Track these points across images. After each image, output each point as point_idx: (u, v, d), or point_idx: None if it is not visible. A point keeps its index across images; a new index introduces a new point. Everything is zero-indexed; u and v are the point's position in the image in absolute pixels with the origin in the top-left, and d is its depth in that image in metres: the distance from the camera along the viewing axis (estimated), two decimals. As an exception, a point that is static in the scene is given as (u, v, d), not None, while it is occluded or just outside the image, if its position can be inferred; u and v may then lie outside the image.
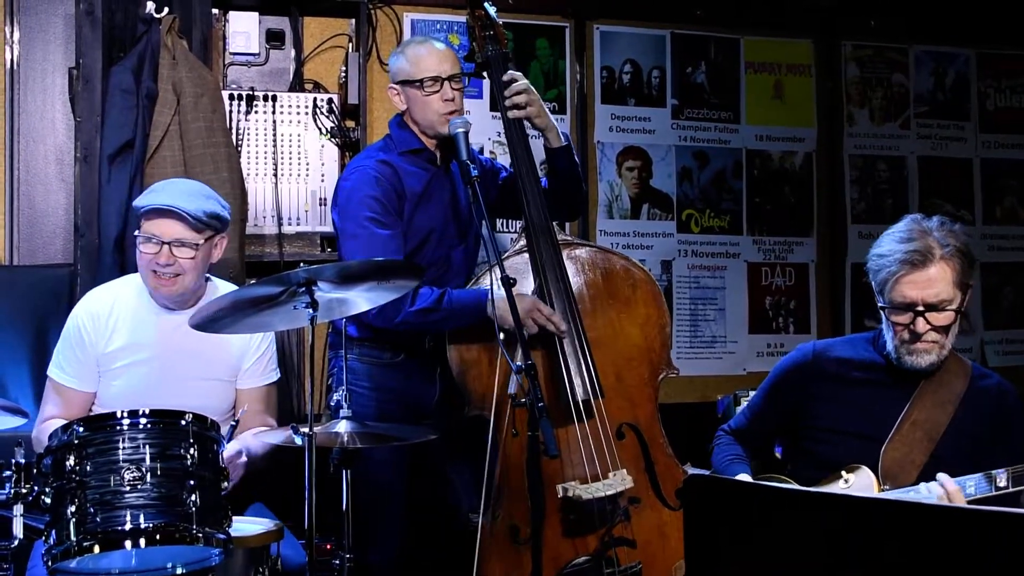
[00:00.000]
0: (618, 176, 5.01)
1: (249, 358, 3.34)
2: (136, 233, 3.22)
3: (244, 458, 3.07)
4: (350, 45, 4.63)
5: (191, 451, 2.49)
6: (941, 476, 2.70)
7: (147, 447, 2.45)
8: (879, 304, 2.88)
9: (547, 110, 3.49)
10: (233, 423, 2.99)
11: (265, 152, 4.40)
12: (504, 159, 3.79)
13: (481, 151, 4.64)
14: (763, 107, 5.21)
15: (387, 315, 3.19)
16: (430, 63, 3.38)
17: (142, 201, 3.22)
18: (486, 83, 4.71)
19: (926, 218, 2.89)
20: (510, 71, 3.45)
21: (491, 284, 3.02)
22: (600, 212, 4.96)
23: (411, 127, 3.46)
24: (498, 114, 3.50)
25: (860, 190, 5.28)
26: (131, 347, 3.24)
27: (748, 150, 5.18)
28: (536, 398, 2.73)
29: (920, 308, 2.79)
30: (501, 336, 2.95)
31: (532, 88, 3.44)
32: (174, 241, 3.16)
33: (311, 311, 2.69)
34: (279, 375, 3.45)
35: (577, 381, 3.19)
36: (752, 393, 3.37)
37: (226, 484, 2.60)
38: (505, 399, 3.04)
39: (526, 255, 3.34)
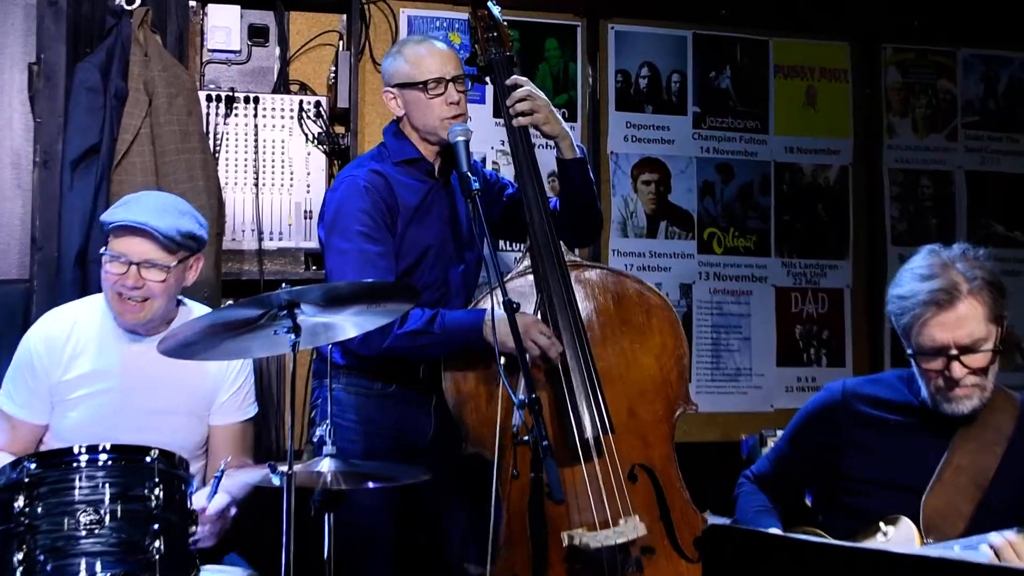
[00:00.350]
0: (633, 190, 5.00)
1: (225, 391, 3.34)
2: (102, 251, 3.21)
3: (235, 510, 3.06)
4: (340, 43, 4.64)
5: (156, 492, 2.47)
6: (992, 536, 2.66)
7: (107, 486, 2.42)
8: (907, 351, 2.85)
9: (559, 116, 3.48)
10: (218, 474, 2.96)
11: (245, 159, 4.40)
12: (509, 171, 3.79)
13: (483, 162, 4.64)
14: (794, 115, 5.21)
15: (373, 342, 3.18)
16: (433, 64, 3.39)
17: (110, 216, 3.21)
18: (489, 88, 4.71)
19: (945, 247, 2.85)
20: (514, 76, 3.44)
21: (491, 307, 3.00)
22: (613, 230, 4.95)
23: (408, 135, 3.46)
24: (502, 121, 3.48)
25: (901, 208, 5.27)
26: (91, 376, 3.22)
27: (777, 163, 5.17)
28: (540, 435, 2.71)
29: (953, 352, 2.75)
30: (502, 362, 2.94)
31: (539, 92, 3.44)
32: (144, 262, 3.15)
33: (293, 336, 2.68)
34: (256, 410, 3.44)
35: (585, 417, 3.17)
36: (780, 433, 3.35)
37: (195, 529, 2.57)
38: (506, 436, 3.02)
39: (531, 277, 3.34)
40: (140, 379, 3.22)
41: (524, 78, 3.45)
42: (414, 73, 3.39)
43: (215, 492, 2.91)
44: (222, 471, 2.98)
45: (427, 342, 3.21)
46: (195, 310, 3.36)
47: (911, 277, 2.82)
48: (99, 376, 3.22)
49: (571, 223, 3.54)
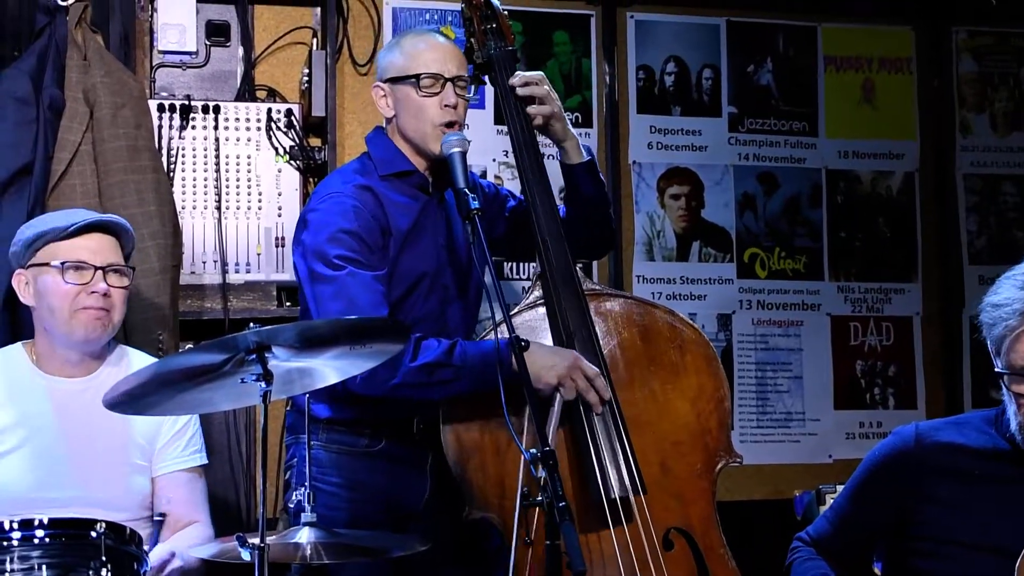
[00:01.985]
0: (660, 206, 5.00)
1: (163, 435, 3.37)
2: (51, 263, 3.24)
3: (179, 562, 3.05)
4: (314, 41, 4.66)
5: (103, 573, 2.45)
6: None
7: (44, 568, 2.41)
8: (996, 369, 2.84)
9: (565, 116, 3.52)
10: (160, 515, 2.97)
11: (205, 179, 4.41)
12: (512, 185, 3.79)
13: (483, 175, 4.64)
14: (849, 115, 5.21)
15: (379, 378, 3.15)
16: (432, 57, 3.41)
17: (48, 224, 3.28)
18: (489, 90, 4.71)
19: None
20: (519, 73, 3.46)
21: (496, 343, 3.01)
22: (637, 253, 4.95)
23: (397, 143, 3.46)
24: (504, 128, 3.50)
25: (980, 220, 5.26)
26: (10, 429, 3.24)
27: (829, 170, 5.17)
28: (556, 496, 2.69)
29: (1052, 374, 2.76)
30: (527, 414, 2.93)
31: (549, 83, 3.47)
32: (108, 266, 3.26)
33: (264, 385, 2.67)
34: (205, 460, 3.47)
35: (611, 473, 3.16)
36: (840, 488, 3.32)
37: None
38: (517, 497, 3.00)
39: (542, 309, 3.33)
40: (70, 428, 3.25)
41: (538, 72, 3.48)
42: (408, 65, 3.41)
43: (154, 543, 2.91)
44: (163, 514, 2.98)
45: (447, 377, 3.18)
46: (135, 360, 3.39)
47: (1010, 284, 2.83)
48: (20, 427, 3.25)
49: (582, 235, 3.54)
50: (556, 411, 3.08)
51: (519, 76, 3.46)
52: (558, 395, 3.11)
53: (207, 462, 3.48)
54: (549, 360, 3.10)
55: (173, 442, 3.37)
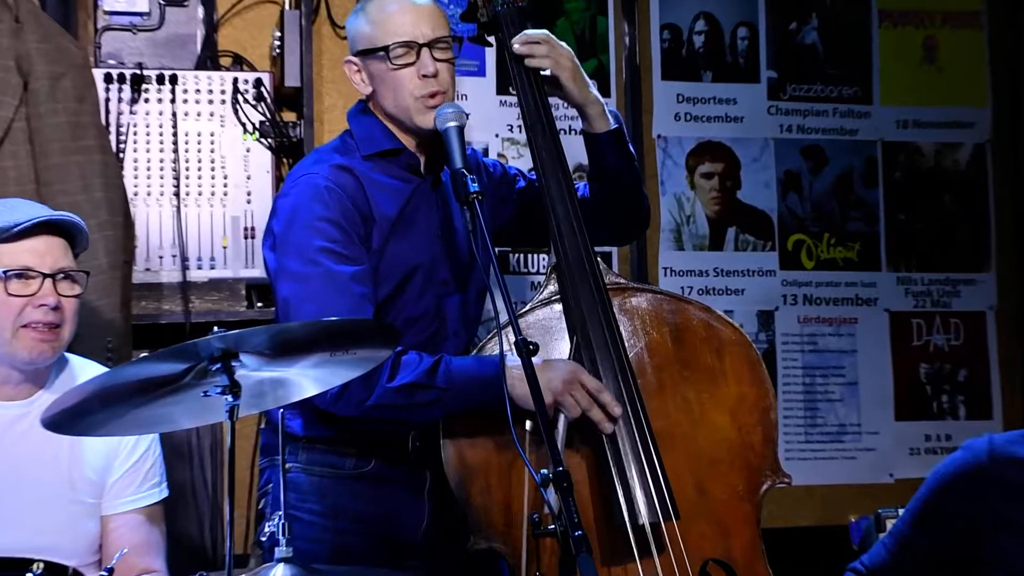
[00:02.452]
0: (689, 187, 5.01)
1: (116, 468, 3.35)
2: None
3: None
4: (286, 1, 4.65)
5: (42, 620, 2.45)
6: None
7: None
8: None
9: (587, 78, 3.50)
10: (105, 571, 2.96)
11: (161, 160, 4.42)
12: (518, 166, 3.79)
13: (485, 154, 4.64)
14: (908, 78, 5.23)
15: (353, 397, 3.17)
16: (401, 23, 3.40)
17: None
18: (491, 54, 4.71)
19: None
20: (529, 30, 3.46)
21: (500, 350, 2.99)
22: (664, 241, 4.95)
23: (381, 118, 3.46)
24: (508, 99, 3.49)
25: (1062, 198, 5.27)
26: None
27: (886, 143, 5.18)
28: (571, 523, 2.68)
29: None
30: (528, 427, 2.92)
31: (558, 41, 3.46)
32: (59, 272, 3.23)
33: (230, 398, 2.66)
34: (166, 492, 3.45)
35: (639, 496, 3.15)
36: (902, 511, 3.35)
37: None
38: (528, 524, 3.00)
39: (558, 306, 3.33)
40: (7, 459, 3.22)
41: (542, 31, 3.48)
42: (375, 35, 3.41)
43: None
44: (110, 569, 2.96)
45: (427, 399, 3.19)
46: (81, 370, 3.37)
47: None
48: None
49: (611, 215, 3.56)
50: (561, 434, 3.08)
51: (522, 36, 3.45)
52: (561, 416, 3.10)
53: (168, 494, 3.45)
54: (542, 376, 3.03)
55: (129, 476, 3.35)
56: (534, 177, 3.50)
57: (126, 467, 3.34)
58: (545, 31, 3.48)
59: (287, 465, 3.13)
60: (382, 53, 3.38)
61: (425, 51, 3.37)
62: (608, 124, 3.52)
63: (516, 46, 3.44)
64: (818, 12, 5.15)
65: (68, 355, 3.41)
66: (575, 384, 3.13)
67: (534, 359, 2.90)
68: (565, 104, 3.54)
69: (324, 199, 3.30)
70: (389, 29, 3.39)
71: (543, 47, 3.44)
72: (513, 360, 2.97)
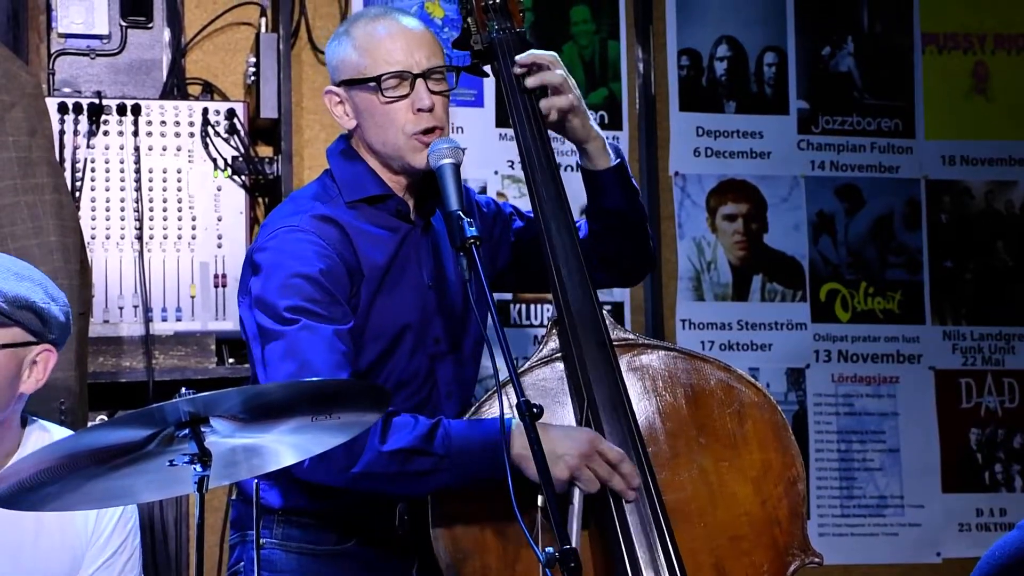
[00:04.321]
0: (711, 230, 5.02)
1: (92, 557, 3.33)
2: None
3: None
4: (263, 21, 4.68)
5: None
6: None
7: None
8: None
9: (587, 109, 3.52)
10: None
11: (122, 200, 4.43)
12: (522, 204, 3.80)
13: (484, 192, 4.66)
14: (955, 108, 5.25)
15: (336, 464, 3.13)
16: (392, 50, 3.40)
17: None
18: (489, 84, 4.74)
19: None
20: (529, 52, 3.48)
21: (501, 413, 2.99)
22: (682, 290, 4.97)
23: (365, 157, 3.47)
24: (508, 131, 3.51)
25: None
26: None
27: (930, 181, 5.20)
28: (580, 608, 2.71)
29: None
30: (540, 503, 2.93)
31: (563, 66, 3.47)
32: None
33: (199, 468, 2.67)
34: (142, 584, 3.45)
35: (649, 577, 3.18)
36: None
37: None
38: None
39: (559, 365, 3.34)
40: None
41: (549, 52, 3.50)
42: (364, 64, 3.40)
43: None
44: None
45: (424, 467, 3.15)
46: (55, 434, 3.36)
47: None
48: None
49: (613, 257, 3.57)
50: (576, 509, 3.09)
51: (527, 55, 3.46)
52: (576, 490, 3.10)
53: None
54: (558, 447, 3.07)
55: (105, 567, 3.32)
56: (531, 215, 3.51)
57: (101, 560, 3.32)
58: (552, 53, 3.48)
59: (261, 541, 3.14)
60: (373, 84, 3.37)
61: (420, 82, 3.37)
62: (609, 160, 3.53)
63: (519, 67, 3.44)
64: (854, 36, 5.18)
65: (45, 422, 3.39)
66: (593, 456, 3.12)
67: (541, 424, 2.92)
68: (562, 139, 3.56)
69: (305, 255, 3.29)
70: (379, 57, 3.38)
71: (555, 72, 3.43)
72: (517, 428, 2.99)
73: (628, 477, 3.15)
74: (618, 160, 3.55)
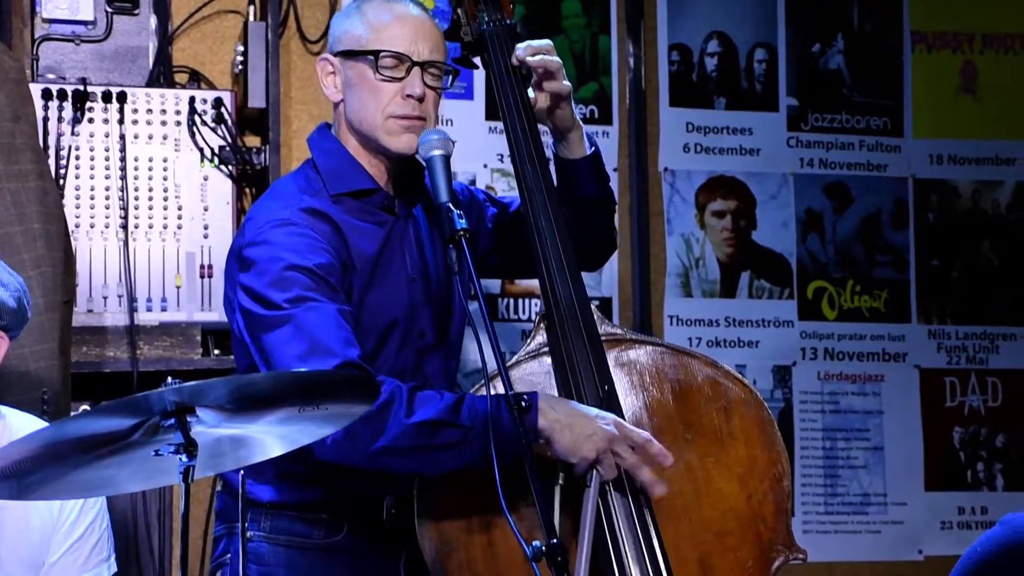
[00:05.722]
0: (699, 226, 5.02)
1: (59, 542, 3.33)
2: None
3: None
4: (251, 9, 4.67)
5: None
6: None
7: None
8: None
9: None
10: None
11: (107, 188, 4.41)
12: (511, 197, 3.80)
13: (472, 184, 4.66)
14: (943, 108, 5.25)
15: (359, 439, 3.10)
16: (399, 33, 3.41)
17: None
18: (479, 78, 4.73)
19: None
20: (527, 43, 3.49)
21: (488, 408, 3.00)
22: (670, 287, 4.97)
23: (347, 142, 3.46)
24: (497, 124, 3.51)
25: (1115, 244, 5.30)
26: None
27: (918, 180, 5.21)
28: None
29: None
30: (561, 482, 2.93)
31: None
32: None
33: (185, 458, 2.66)
34: (114, 569, 3.43)
35: (634, 572, 3.16)
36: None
37: None
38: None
39: (547, 359, 3.35)
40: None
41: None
42: (367, 38, 3.41)
43: None
44: None
45: (451, 439, 3.12)
46: (18, 426, 3.35)
47: None
48: None
49: (581, 242, 3.52)
50: (592, 496, 3.08)
51: (526, 46, 3.47)
52: (594, 473, 3.10)
53: (116, 570, 3.44)
54: (587, 426, 3.08)
55: (72, 554, 3.33)
56: (505, 200, 3.54)
57: (69, 543, 3.33)
58: (548, 41, 3.51)
59: (248, 533, 3.13)
60: (371, 58, 3.38)
61: (417, 70, 3.38)
62: (585, 149, 3.56)
63: (529, 60, 3.45)
64: (844, 33, 5.18)
65: (3, 408, 3.39)
66: (621, 440, 3.12)
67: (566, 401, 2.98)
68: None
69: (299, 248, 3.27)
70: (384, 35, 3.40)
71: (555, 57, 3.46)
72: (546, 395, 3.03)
73: (659, 457, 3.15)
74: (593, 149, 3.58)
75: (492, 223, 3.69)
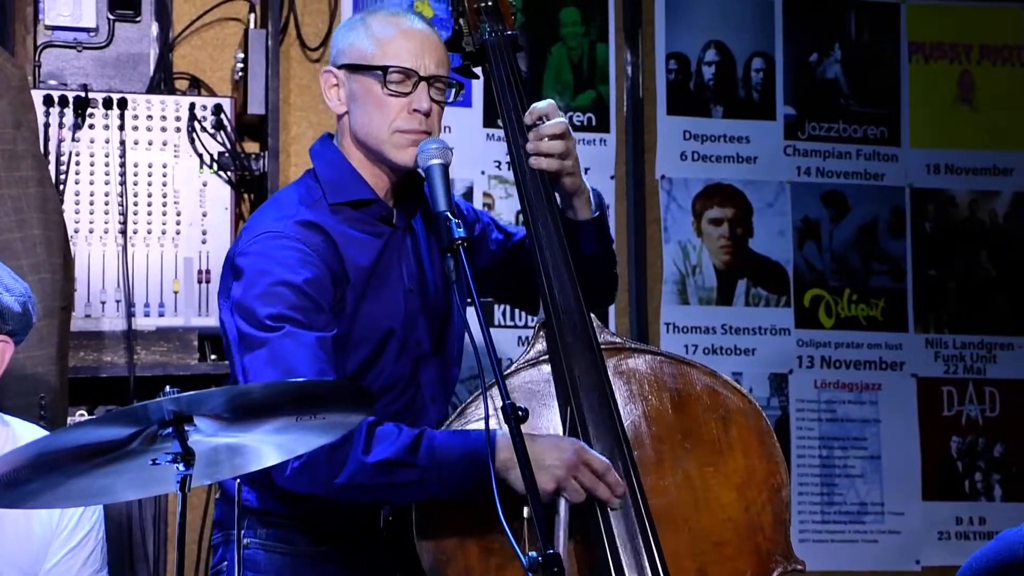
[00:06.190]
0: (696, 234, 5.02)
1: (57, 548, 3.32)
2: None
3: None
4: (251, 17, 4.68)
5: None
6: None
7: None
8: None
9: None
10: None
11: (107, 194, 4.41)
12: (506, 206, 3.79)
13: (470, 191, 4.66)
14: (940, 118, 5.25)
15: (317, 472, 3.12)
16: (406, 48, 3.40)
17: None
18: (477, 85, 4.72)
19: None
20: (535, 106, 3.44)
21: (486, 418, 2.98)
22: (666, 294, 4.97)
23: (349, 154, 3.46)
24: (499, 131, 3.50)
25: (1112, 255, 5.29)
26: None
27: (915, 189, 5.20)
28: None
29: None
30: (526, 514, 2.92)
31: (565, 120, 3.45)
32: None
33: (182, 467, 2.66)
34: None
35: (634, 583, 3.17)
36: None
37: None
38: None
39: (546, 367, 3.34)
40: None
41: (551, 103, 3.44)
42: (374, 53, 3.40)
43: None
44: None
45: (408, 479, 3.14)
46: (23, 434, 3.34)
47: None
48: None
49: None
50: (563, 520, 3.08)
51: (541, 129, 3.40)
52: (562, 500, 3.09)
53: None
54: (545, 457, 3.06)
55: (67, 559, 3.32)
56: (511, 229, 3.52)
57: (66, 549, 3.32)
58: (564, 120, 3.43)
59: (244, 541, 3.12)
60: (378, 72, 3.37)
61: (423, 85, 3.37)
62: (591, 211, 3.53)
63: (534, 146, 3.38)
64: (842, 43, 5.18)
65: (7, 416, 3.38)
66: (580, 467, 3.11)
67: (527, 433, 2.92)
68: None
69: (290, 262, 3.27)
70: (391, 50, 3.38)
71: (561, 143, 3.39)
72: (504, 433, 2.97)
73: (613, 487, 3.14)
74: (598, 212, 3.55)
75: (495, 246, 3.68)
